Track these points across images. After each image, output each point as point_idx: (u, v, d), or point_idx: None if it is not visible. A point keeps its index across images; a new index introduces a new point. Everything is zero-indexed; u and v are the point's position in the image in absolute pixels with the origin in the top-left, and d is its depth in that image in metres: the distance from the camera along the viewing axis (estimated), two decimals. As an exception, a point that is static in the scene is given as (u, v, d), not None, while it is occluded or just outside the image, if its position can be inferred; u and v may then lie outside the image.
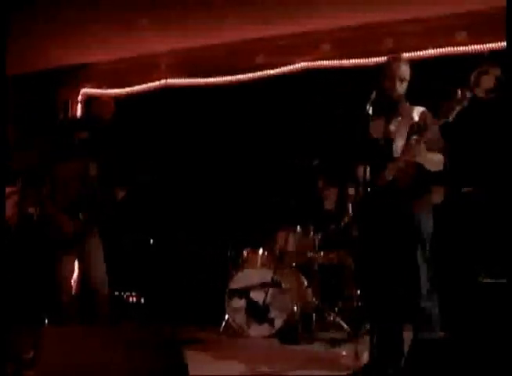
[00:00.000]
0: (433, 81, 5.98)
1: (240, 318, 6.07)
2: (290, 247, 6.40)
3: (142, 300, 7.11)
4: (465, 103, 3.99)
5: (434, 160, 4.26)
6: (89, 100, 8.21)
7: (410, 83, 4.43)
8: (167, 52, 7.68)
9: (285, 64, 7.29)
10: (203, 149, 7.54)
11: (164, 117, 7.73)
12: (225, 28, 6.91)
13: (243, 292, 6.09)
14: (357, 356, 4.68)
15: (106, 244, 5.69)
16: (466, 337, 3.26)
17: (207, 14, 6.50)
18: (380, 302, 4.40)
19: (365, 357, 4.44)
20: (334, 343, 5.52)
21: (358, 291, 5.94)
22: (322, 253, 6.39)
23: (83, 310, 5.50)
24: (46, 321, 5.96)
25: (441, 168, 4.30)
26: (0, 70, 4.36)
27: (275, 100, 7.23)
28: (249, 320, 6.03)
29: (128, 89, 8.04)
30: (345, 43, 6.99)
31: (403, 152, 4.26)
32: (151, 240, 7.30)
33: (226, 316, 6.17)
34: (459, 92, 3.99)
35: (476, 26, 6.36)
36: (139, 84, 7.99)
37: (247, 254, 6.47)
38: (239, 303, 6.10)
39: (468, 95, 3.96)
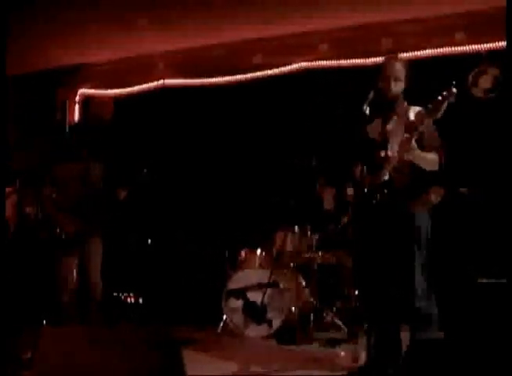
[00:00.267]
0: (431, 81, 5.98)
1: (238, 318, 6.06)
2: (288, 247, 6.40)
3: (140, 300, 7.10)
4: (451, 100, 3.97)
5: (427, 160, 4.26)
6: (88, 100, 8.23)
7: (408, 83, 4.43)
8: (166, 53, 7.68)
9: (284, 64, 7.30)
10: (202, 149, 7.54)
11: (162, 118, 7.73)
12: (224, 28, 6.92)
13: (241, 292, 6.08)
14: (355, 356, 4.68)
15: (105, 244, 5.71)
16: (464, 337, 3.26)
17: (206, 14, 6.51)
18: (377, 302, 4.40)
19: (363, 357, 4.43)
20: (332, 343, 5.52)
21: (356, 292, 5.94)
22: (320, 253, 6.38)
23: (81, 310, 5.51)
24: (44, 321, 5.97)
25: (436, 167, 4.30)
26: (0, 71, 4.35)
27: (274, 100, 7.23)
28: (247, 321, 6.02)
29: (126, 89, 8.04)
30: (344, 43, 7.00)
31: (398, 151, 4.27)
32: (149, 241, 7.30)
33: (224, 317, 6.17)
34: (446, 89, 3.98)
35: (474, 26, 6.37)
36: (138, 84, 7.99)
37: (245, 254, 6.47)
38: (237, 303, 6.10)
39: (454, 91, 3.94)
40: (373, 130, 4.46)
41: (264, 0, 6.22)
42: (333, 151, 6.33)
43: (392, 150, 4.29)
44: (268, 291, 5.94)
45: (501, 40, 5.95)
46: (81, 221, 5.46)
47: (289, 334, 5.81)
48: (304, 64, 7.21)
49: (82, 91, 8.29)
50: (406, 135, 4.15)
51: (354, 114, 4.36)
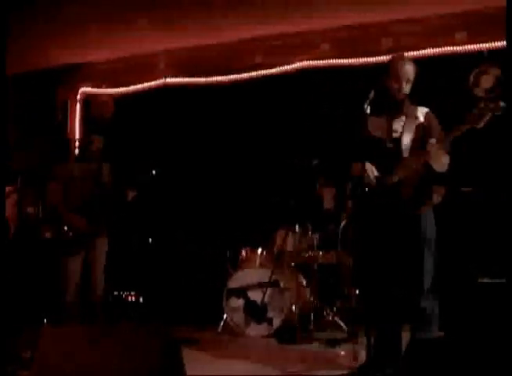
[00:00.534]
0: (432, 80, 5.98)
1: (238, 317, 6.06)
2: (289, 246, 6.39)
3: (141, 299, 7.10)
4: (496, 113, 3.95)
5: (444, 163, 4.26)
6: (88, 99, 8.23)
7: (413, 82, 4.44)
8: (167, 52, 7.68)
9: (284, 64, 7.29)
10: (202, 148, 7.53)
11: (163, 117, 7.72)
12: (224, 28, 6.91)
13: (242, 292, 6.09)
14: (355, 355, 4.68)
15: (111, 244, 5.73)
16: (465, 337, 3.25)
17: (205, 14, 6.50)
18: (378, 302, 4.39)
19: (363, 357, 4.43)
20: (332, 343, 5.51)
21: (357, 291, 5.94)
22: (320, 253, 6.38)
23: (83, 309, 5.52)
24: (45, 320, 5.97)
25: (446, 169, 4.30)
26: (0, 70, 4.35)
27: (275, 100, 7.23)
28: (247, 320, 6.02)
29: (127, 88, 8.03)
30: (344, 43, 7.00)
31: (414, 153, 4.27)
32: (150, 240, 7.30)
33: (224, 316, 6.17)
34: (493, 102, 3.96)
35: (475, 25, 6.37)
36: (139, 83, 7.99)
37: (246, 253, 6.46)
38: (238, 303, 6.10)
39: (502, 105, 3.92)
40: (376, 128, 4.45)
41: (263, 0, 6.21)
42: (334, 150, 6.32)
43: (405, 151, 4.30)
44: (269, 290, 5.94)
45: (502, 39, 5.94)
46: (88, 220, 5.47)
47: (289, 333, 5.80)
48: (304, 63, 7.20)
49: (83, 90, 8.29)
50: (434, 140, 4.15)
51: (354, 114, 4.36)
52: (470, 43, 6.43)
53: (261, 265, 6.29)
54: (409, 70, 4.39)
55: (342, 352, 5.19)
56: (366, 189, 4.31)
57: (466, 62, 6.37)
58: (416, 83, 4.43)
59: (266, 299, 5.94)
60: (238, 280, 6.16)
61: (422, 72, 4.49)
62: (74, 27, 6.80)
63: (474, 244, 5.88)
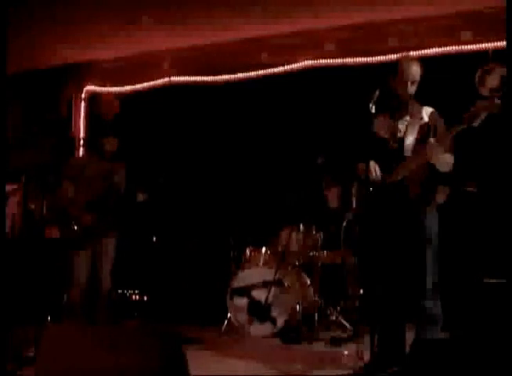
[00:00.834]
0: (437, 80, 5.97)
1: (242, 317, 6.06)
2: (293, 246, 6.38)
3: (145, 298, 7.10)
4: (492, 111, 3.95)
5: (446, 161, 4.26)
6: (94, 98, 8.24)
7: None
8: (172, 50, 7.68)
9: (289, 63, 7.28)
10: (207, 147, 7.53)
11: (167, 116, 7.72)
12: (229, 27, 6.91)
13: (246, 291, 6.08)
14: (359, 355, 4.67)
15: (119, 243, 5.74)
16: (469, 337, 3.24)
17: (210, 13, 6.50)
18: (382, 302, 4.39)
19: (367, 357, 4.42)
20: (336, 342, 5.51)
21: (361, 291, 5.93)
22: (325, 252, 6.38)
23: (88, 307, 5.53)
24: (49, 318, 5.98)
25: (450, 168, 4.30)
26: (0, 70, 4.35)
27: (279, 99, 7.22)
28: (251, 319, 6.01)
29: (132, 87, 8.04)
30: (349, 42, 6.99)
31: (416, 152, 4.27)
32: (154, 238, 7.30)
33: (228, 315, 6.16)
34: (487, 100, 3.97)
35: (481, 25, 6.35)
36: (143, 82, 7.99)
37: (250, 252, 6.46)
38: (242, 302, 6.09)
39: (496, 102, 3.93)
40: (382, 128, 4.45)
41: (268, -1, 6.23)
42: (339, 149, 6.32)
43: (408, 150, 4.29)
44: (273, 289, 5.93)
45: (508, 39, 5.93)
46: (97, 218, 5.49)
47: (293, 333, 5.80)
48: (309, 63, 7.20)
49: (88, 88, 8.30)
50: (434, 139, 4.15)
51: (359, 113, 4.35)
52: (476, 43, 6.42)
53: (265, 265, 6.28)
54: (415, 71, 4.39)
55: (346, 352, 5.18)
56: (371, 188, 4.31)
57: (472, 61, 6.36)
58: (422, 83, 4.43)
59: (270, 299, 5.94)
60: (242, 279, 6.16)
61: (427, 72, 4.48)
62: (80, 25, 6.80)
63: (478, 243, 5.87)
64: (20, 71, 7.69)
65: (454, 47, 6.50)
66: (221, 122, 7.51)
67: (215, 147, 7.50)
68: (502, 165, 5.34)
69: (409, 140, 4.35)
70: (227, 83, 7.59)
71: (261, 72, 7.39)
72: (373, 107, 4.19)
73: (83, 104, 8.32)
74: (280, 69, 7.32)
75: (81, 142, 8.00)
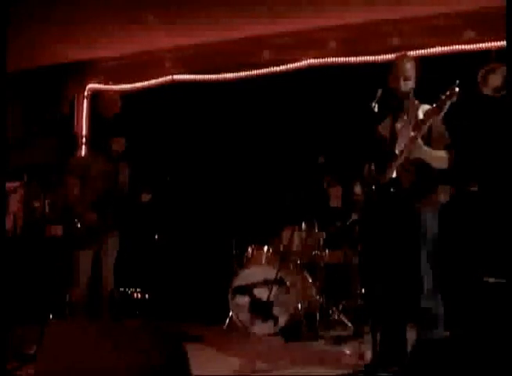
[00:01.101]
0: (440, 79, 5.96)
1: (244, 315, 6.06)
2: (295, 244, 6.39)
3: (147, 297, 7.11)
4: (453, 99, 3.96)
5: (437, 157, 4.25)
6: (96, 95, 8.24)
7: (418, 81, 4.42)
8: (175, 48, 7.67)
9: (292, 61, 7.28)
10: (209, 146, 7.53)
11: (169, 114, 7.72)
12: (232, 25, 6.90)
13: (248, 289, 6.08)
14: (360, 354, 4.68)
15: (122, 242, 5.74)
16: (471, 336, 3.24)
17: (213, 11, 6.49)
18: (383, 301, 4.39)
19: (368, 355, 4.43)
20: (338, 341, 5.51)
21: (363, 290, 5.93)
22: (327, 251, 6.38)
23: (91, 305, 5.54)
24: (51, 316, 5.99)
25: (445, 165, 4.29)
26: (0, 70, 4.35)
27: (282, 97, 7.21)
28: (253, 318, 6.02)
29: (135, 85, 8.04)
30: (352, 40, 6.98)
31: (404, 149, 4.26)
32: (156, 237, 7.30)
33: (230, 314, 6.17)
34: (449, 88, 3.98)
35: (483, 24, 6.34)
36: (146, 80, 7.99)
37: (252, 251, 6.46)
38: (243, 300, 6.09)
39: (457, 90, 3.93)
40: (385, 129, 4.46)
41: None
42: (341, 149, 6.32)
43: (400, 148, 4.28)
44: (275, 288, 5.93)
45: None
46: (100, 216, 5.49)
47: (295, 331, 5.81)
48: (312, 61, 7.19)
49: (91, 86, 8.30)
50: (413, 133, 4.15)
51: (361, 112, 4.35)
52: (479, 42, 6.41)
53: (267, 263, 6.29)
54: (408, 67, 4.39)
55: (348, 351, 5.19)
56: (373, 187, 4.31)
57: (475, 61, 6.36)
58: (424, 82, 4.42)
59: (272, 297, 5.94)
60: (244, 277, 6.16)
61: (430, 71, 4.48)
62: (82, 24, 6.80)
63: (479, 243, 5.87)
64: (22, 70, 7.69)
65: (457, 46, 6.50)
66: (223, 121, 7.50)
67: (217, 146, 7.50)
68: (504, 165, 5.35)
69: (403, 139, 4.34)
70: (229, 82, 7.58)
71: (264, 71, 7.38)
72: (376, 107, 4.19)
73: (85, 102, 8.32)
74: (282, 68, 7.31)
75: (84, 140, 7.99)
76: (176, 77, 7.81)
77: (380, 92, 4.25)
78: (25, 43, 7.03)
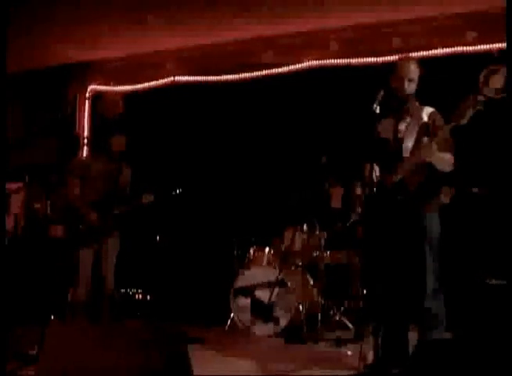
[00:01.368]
0: (441, 80, 5.96)
1: (245, 317, 6.06)
2: (297, 246, 6.39)
3: (149, 298, 7.10)
4: (477, 108, 3.96)
5: (445, 161, 4.24)
6: (98, 97, 8.24)
7: (419, 82, 4.42)
8: (177, 50, 7.67)
9: (294, 62, 7.28)
10: (211, 147, 7.53)
11: (171, 115, 7.72)
12: (234, 26, 6.91)
13: (249, 291, 6.08)
14: (362, 355, 4.66)
15: (122, 242, 5.74)
16: (472, 337, 3.24)
17: (215, 13, 6.50)
18: (386, 302, 4.38)
19: (370, 357, 4.42)
20: (339, 343, 5.50)
21: (364, 291, 5.92)
22: (328, 252, 6.38)
23: (92, 307, 5.54)
24: (52, 317, 5.99)
25: (451, 168, 4.29)
26: (0, 70, 4.35)
27: (283, 99, 7.21)
28: (254, 319, 6.01)
29: (136, 86, 8.04)
30: (354, 42, 6.99)
31: (413, 152, 4.26)
32: (157, 238, 7.30)
33: (231, 315, 6.16)
34: (471, 97, 3.97)
35: (485, 25, 6.34)
36: (147, 81, 7.99)
37: (254, 252, 6.46)
38: (245, 302, 6.09)
39: (480, 99, 3.93)
40: (385, 129, 4.45)
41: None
42: (343, 150, 6.31)
43: (407, 151, 4.28)
44: (276, 289, 5.93)
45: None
46: (101, 216, 5.49)
47: (296, 332, 5.79)
48: (313, 63, 7.19)
49: (92, 87, 8.30)
50: (427, 139, 4.14)
51: (363, 113, 4.34)
52: (481, 43, 6.41)
53: (269, 265, 6.29)
54: (411, 69, 4.38)
55: (349, 352, 5.18)
56: (374, 189, 4.31)
57: (476, 62, 6.34)
58: (426, 83, 4.41)
59: (273, 299, 5.94)
60: (245, 279, 6.16)
61: (431, 72, 4.47)
62: (84, 25, 6.81)
63: (482, 245, 5.86)
64: (24, 71, 7.70)
65: (459, 47, 6.49)
66: (225, 122, 7.50)
67: (219, 147, 7.49)
68: (505, 166, 5.34)
69: (409, 141, 4.34)
70: (231, 83, 7.58)
71: (266, 72, 7.39)
72: (378, 108, 4.18)
73: (87, 103, 8.32)
74: (285, 69, 7.32)
75: (85, 141, 8.00)
76: (178, 78, 7.81)
77: (381, 93, 4.24)
78: (27, 44, 7.04)
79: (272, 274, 6.00)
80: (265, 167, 7.22)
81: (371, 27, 6.76)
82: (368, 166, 4.34)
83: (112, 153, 5.68)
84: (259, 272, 6.16)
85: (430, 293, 4.21)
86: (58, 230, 6.79)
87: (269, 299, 5.93)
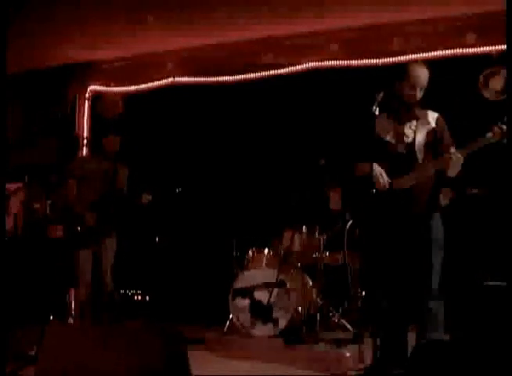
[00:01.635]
0: (442, 82, 5.96)
1: (244, 318, 6.05)
2: (296, 247, 6.39)
3: (148, 298, 7.11)
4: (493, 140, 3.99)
5: (458, 169, 4.24)
6: (98, 97, 8.24)
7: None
8: (176, 51, 7.67)
9: (293, 64, 7.27)
10: (210, 148, 7.53)
11: (170, 116, 7.72)
12: (233, 27, 6.90)
13: (248, 292, 6.08)
14: (361, 356, 4.67)
15: (120, 243, 5.74)
16: (471, 339, 3.24)
17: (214, 13, 6.49)
18: (386, 303, 4.38)
19: (369, 358, 4.42)
20: (338, 344, 5.50)
21: (363, 292, 5.93)
22: (327, 253, 6.38)
23: (92, 307, 5.55)
24: (51, 317, 5.99)
25: (456, 173, 4.29)
26: (0, 70, 4.36)
27: (282, 100, 7.21)
28: (253, 320, 6.01)
29: (135, 87, 8.04)
30: (354, 43, 6.97)
31: (429, 158, 4.26)
32: (156, 239, 7.30)
33: (230, 316, 6.16)
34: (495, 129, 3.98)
35: (486, 27, 6.33)
36: (147, 82, 7.98)
37: (252, 253, 6.45)
38: (244, 303, 6.08)
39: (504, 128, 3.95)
40: (384, 129, 4.43)
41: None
42: (341, 151, 6.31)
43: (420, 157, 4.28)
44: (275, 290, 5.93)
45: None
46: (98, 217, 5.50)
47: (295, 333, 5.79)
48: (313, 64, 7.18)
49: (92, 88, 8.30)
50: (457, 151, 4.13)
51: (362, 115, 4.34)
52: (481, 45, 6.40)
53: (268, 266, 6.29)
54: (424, 76, 4.35)
55: (348, 354, 5.17)
56: (374, 190, 4.30)
57: (477, 64, 6.35)
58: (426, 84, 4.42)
59: (272, 300, 5.93)
60: (244, 280, 6.15)
61: (431, 74, 4.47)
62: (84, 25, 6.80)
63: (480, 246, 5.86)
64: (23, 71, 7.69)
65: (459, 49, 6.49)
66: (225, 123, 7.50)
67: (218, 148, 7.49)
68: (505, 167, 5.34)
69: (419, 145, 4.33)
70: (231, 84, 7.58)
71: (266, 73, 7.38)
72: (377, 109, 4.18)
73: (87, 104, 8.32)
74: (285, 70, 7.31)
75: (85, 141, 8.00)
76: (177, 79, 7.81)
77: (381, 94, 4.23)
78: (27, 44, 7.04)
79: (271, 275, 6.00)
80: (264, 168, 7.22)
81: (371, 28, 6.75)
82: (362, 165, 4.32)
83: (107, 153, 5.68)
84: (258, 274, 6.16)
85: (435, 293, 4.22)
86: (57, 231, 6.79)
87: (268, 300, 5.93)
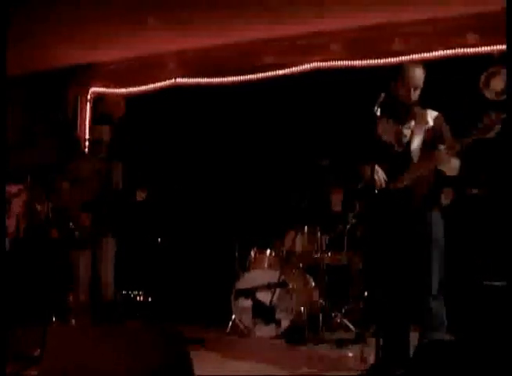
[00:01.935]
0: (443, 82, 5.96)
1: (247, 318, 6.06)
2: (298, 247, 6.40)
3: (150, 299, 7.11)
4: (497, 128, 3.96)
5: (454, 166, 4.24)
6: (99, 99, 8.25)
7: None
8: (178, 52, 7.67)
9: (295, 64, 7.27)
10: (212, 149, 7.53)
11: (172, 117, 7.73)
12: (235, 28, 6.90)
13: (250, 292, 6.08)
14: (363, 357, 4.67)
15: (118, 243, 5.74)
16: (473, 339, 3.24)
17: (216, 14, 6.49)
18: (388, 303, 4.38)
19: (371, 358, 4.42)
20: (341, 344, 5.50)
21: (366, 292, 5.93)
22: (329, 254, 6.38)
23: (93, 309, 5.55)
24: (54, 318, 5.99)
25: (457, 172, 4.29)
26: (0, 71, 4.36)
27: (284, 101, 7.21)
28: (255, 321, 6.02)
29: (137, 88, 8.04)
30: (355, 43, 6.97)
31: (422, 158, 4.26)
32: (159, 239, 7.30)
33: (233, 316, 6.17)
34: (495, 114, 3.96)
35: (487, 27, 6.33)
36: (149, 83, 7.99)
37: (255, 254, 6.46)
38: (246, 303, 6.09)
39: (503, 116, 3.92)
40: (386, 131, 4.43)
41: (274, 0, 6.20)
42: (343, 152, 6.31)
43: (415, 156, 4.28)
44: (277, 291, 5.94)
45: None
46: (94, 218, 5.49)
47: (297, 334, 5.80)
48: (315, 64, 7.18)
49: (94, 89, 8.30)
50: (444, 147, 4.13)
51: (364, 115, 4.34)
52: (482, 45, 6.40)
53: (270, 266, 6.30)
54: (419, 76, 4.34)
55: (350, 354, 5.18)
56: (376, 191, 4.30)
57: (477, 64, 6.35)
58: (426, 85, 4.41)
59: (274, 300, 5.94)
60: (246, 280, 6.16)
61: (432, 74, 4.46)
62: (85, 26, 6.80)
63: (480, 246, 5.86)
64: (25, 73, 7.70)
65: (460, 49, 6.49)
66: (227, 124, 7.50)
67: (220, 149, 7.50)
68: (505, 167, 5.34)
69: (416, 145, 4.33)
70: (233, 85, 7.58)
71: (267, 74, 7.38)
72: (378, 110, 4.17)
73: (88, 105, 8.33)
74: (286, 71, 7.30)
75: (87, 143, 8.01)
76: (179, 80, 7.81)
77: (382, 95, 4.22)
78: (28, 45, 7.04)
79: (273, 276, 6.01)
80: (266, 169, 7.22)
81: (373, 28, 6.75)
82: (368, 168, 4.32)
83: (99, 147, 5.67)
84: (260, 274, 6.17)
85: (435, 293, 4.22)
86: (57, 231, 6.80)
87: (271, 301, 5.94)
